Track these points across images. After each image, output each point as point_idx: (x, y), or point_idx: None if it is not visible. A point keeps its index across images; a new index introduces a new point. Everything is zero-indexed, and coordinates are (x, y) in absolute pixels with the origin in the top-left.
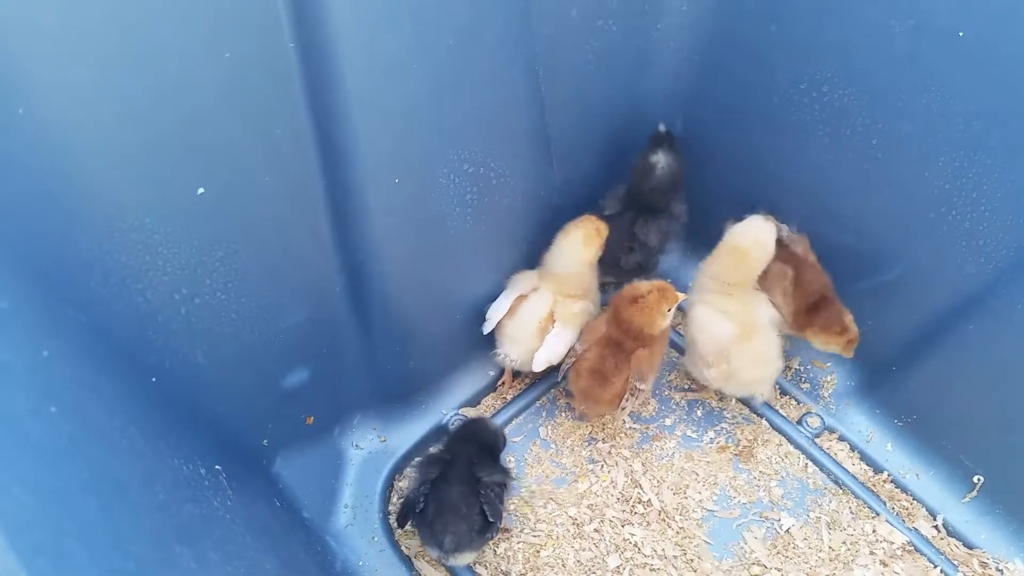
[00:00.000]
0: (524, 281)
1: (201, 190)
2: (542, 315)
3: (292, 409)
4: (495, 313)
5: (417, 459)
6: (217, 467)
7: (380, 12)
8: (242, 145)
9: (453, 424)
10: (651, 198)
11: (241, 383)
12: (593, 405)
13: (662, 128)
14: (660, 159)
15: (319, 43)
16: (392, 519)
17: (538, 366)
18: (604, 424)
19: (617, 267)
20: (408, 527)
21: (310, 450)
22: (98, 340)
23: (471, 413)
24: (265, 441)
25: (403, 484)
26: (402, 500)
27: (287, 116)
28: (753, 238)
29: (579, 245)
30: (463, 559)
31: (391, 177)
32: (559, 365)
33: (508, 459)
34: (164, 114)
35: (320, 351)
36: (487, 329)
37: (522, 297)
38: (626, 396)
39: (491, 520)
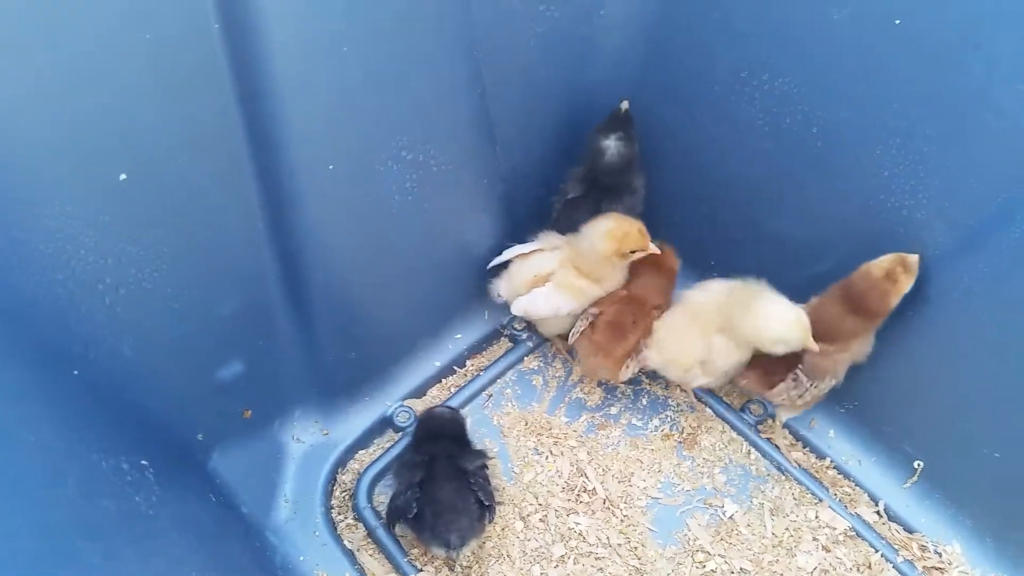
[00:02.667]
0: (550, 239)
1: (123, 176)
2: (540, 271)
3: (228, 403)
4: (510, 253)
5: (395, 465)
6: (143, 462)
7: None
8: (166, 129)
9: (407, 423)
10: (610, 178)
11: (172, 376)
12: (603, 360)
13: (624, 106)
14: (611, 145)
15: (245, 24)
16: (335, 512)
17: (515, 309)
18: (549, 421)
19: None
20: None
21: (249, 444)
22: (8, 331)
23: (416, 405)
24: (200, 435)
25: (346, 478)
26: (390, 505)
27: (213, 99)
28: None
29: (599, 236)
30: (468, 549)
31: (324, 164)
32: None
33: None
34: (82, 97)
35: (256, 343)
36: (494, 263)
37: (543, 250)
38: (632, 358)
39: (487, 504)
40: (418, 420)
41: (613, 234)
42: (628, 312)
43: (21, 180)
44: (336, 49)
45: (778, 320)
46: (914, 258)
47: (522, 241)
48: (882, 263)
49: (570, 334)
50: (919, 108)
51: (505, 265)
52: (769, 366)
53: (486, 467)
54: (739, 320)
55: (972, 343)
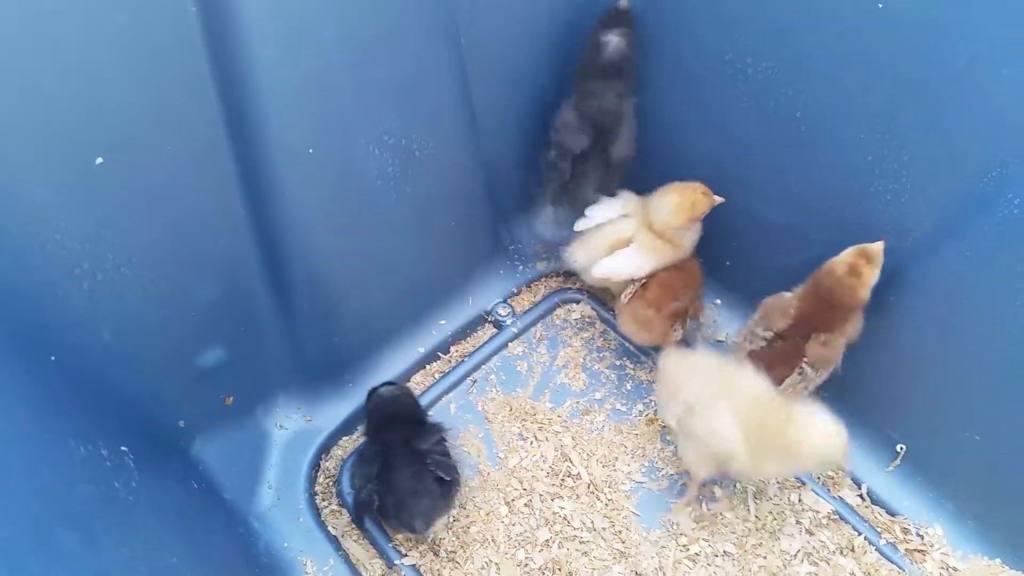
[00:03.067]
0: (623, 202)
1: (100, 160)
2: (619, 237)
3: (210, 389)
4: (595, 215)
5: (353, 460)
6: (123, 448)
7: None
8: (143, 113)
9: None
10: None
11: (152, 362)
12: (654, 315)
13: (623, 4)
14: (612, 40)
15: (222, 5)
16: (319, 499)
17: (599, 272)
18: (534, 407)
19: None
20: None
21: (231, 431)
22: None
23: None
24: (182, 422)
25: (330, 465)
26: (354, 503)
27: (190, 82)
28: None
29: (671, 212)
30: (440, 525)
31: (304, 147)
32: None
33: None
34: (56, 80)
35: (238, 329)
36: (579, 227)
37: (613, 221)
38: (680, 321)
39: (448, 479)
40: (367, 406)
41: (683, 207)
42: (679, 277)
43: None
44: (315, 32)
45: (822, 435)
46: (877, 247)
47: (506, 223)
48: (844, 259)
49: (622, 295)
50: (903, 92)
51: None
52: (772, 359)
53: (444, 440)
54: (777, 430)
55: (955, 326)
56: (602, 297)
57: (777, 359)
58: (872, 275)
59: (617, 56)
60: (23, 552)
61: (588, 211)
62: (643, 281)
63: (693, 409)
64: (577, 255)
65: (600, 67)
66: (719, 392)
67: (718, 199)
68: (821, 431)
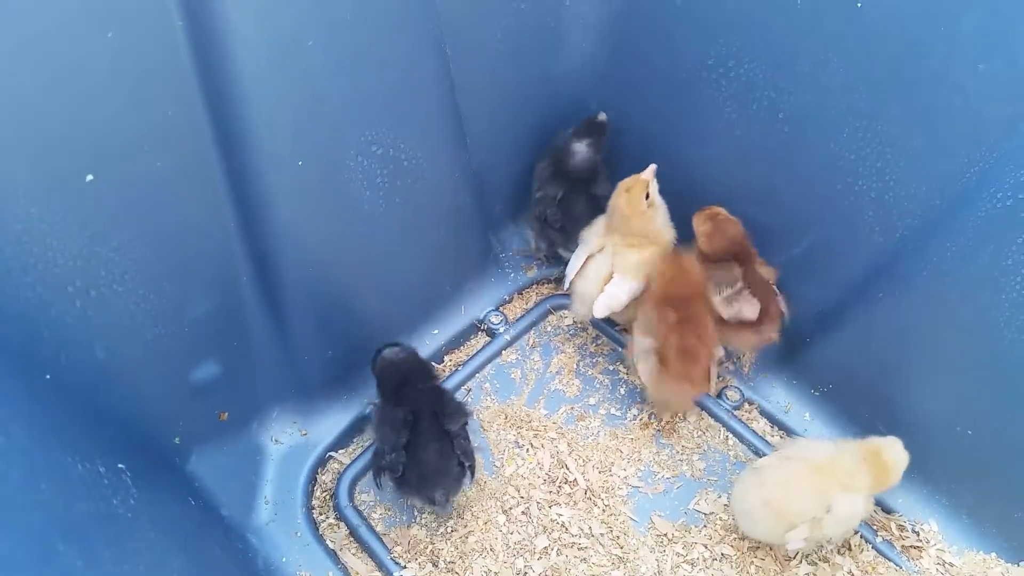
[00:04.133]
0: (593, 235)
1: (90, 177)
2: (605, 273)
3: (204, 405)
4: (570, 271)
5: (375, 420)
6: (120, 465)
7: None
8: (132, 129)
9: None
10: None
11: (146, 379)
12: (690, 388)
13: (601, 118)
14: (581, 148)
15: (208, 20)
16: (316, 512)
17: (598, 312)
18: (529, 414)
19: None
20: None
21: (227, 447)
22: None
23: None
24: (177, 439)
25: (326, 478)
26: (374, 462)
27: (179, 97)
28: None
29: (620, 213)
30: (451, 505)
31: (294, 160)
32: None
33: None
34: (45, 98)
35: (231, 344)
36: (565, 286)
37: (592, 257)
38: (712, 367)
39: (467, 464)
40: (378, 369)
41: (625, 201)
42: (689, 334)
43: None
44: (300, 43)
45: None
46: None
47: (496, 232)
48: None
49: (640, 371)
50: (883, 90)
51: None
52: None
53: (467, 425)
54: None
55: (942, 322)
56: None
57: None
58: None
59: (587, 164)
60: (26, 568)
61: (569, 265)
62: (655, 356)
63: (821, 521)
64: (580, 310)
65: (570, 170)
66: (821, 484)
67: (647, 172)
68: (891, 450)
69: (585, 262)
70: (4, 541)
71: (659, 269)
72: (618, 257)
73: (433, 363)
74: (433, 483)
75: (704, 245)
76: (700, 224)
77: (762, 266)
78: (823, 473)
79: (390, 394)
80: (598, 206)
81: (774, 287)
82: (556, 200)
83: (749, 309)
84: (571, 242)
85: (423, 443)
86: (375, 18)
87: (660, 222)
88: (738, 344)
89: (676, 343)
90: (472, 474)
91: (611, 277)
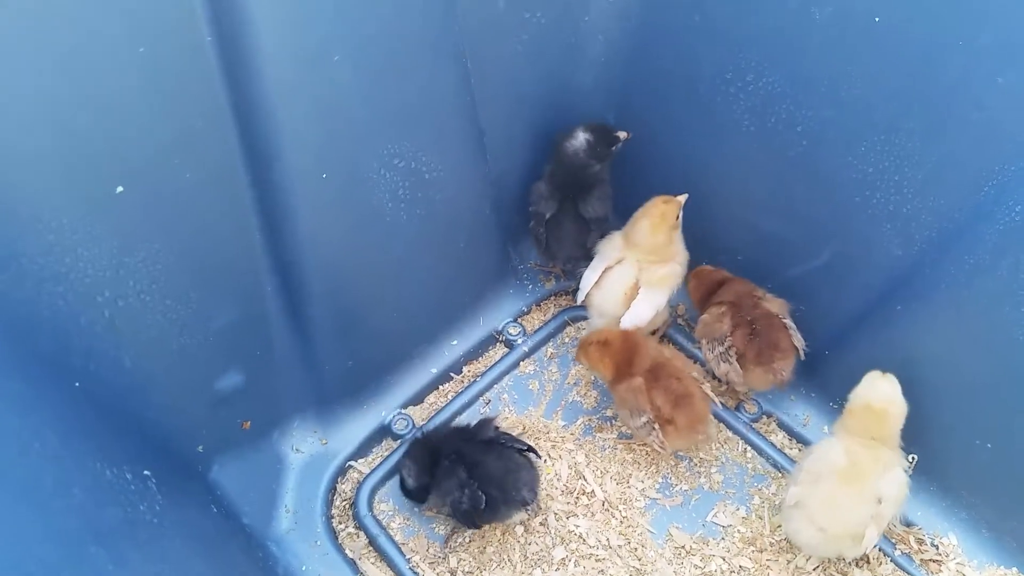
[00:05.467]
0: (610, 248)
1: (120, 188)
2: (628, 284)
3: (227, 414)
4: (585, 284)
5: (431, 488)
6: (146, 472)
7: (298, 2)
8: (162, 142)
9: (405, 430)
10: (577, 176)
11: (171, 388)
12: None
13: (621, 134)
14: (579, 137)
15: (237, 35)
16: (336, 522)
17: (626, 326)
18: (547, 425)
19: (586, 251)
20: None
21: (248, 455)
22: (11, 343)
23: (414, 412)
24: (200, 447)
25: (346, 487)
26: (459, 514)
27: (208, 111)
28: (884, 395)
29: (647, 233)
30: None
31: (319, 172)
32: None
33: None
34: (78, 111)
35: (254, 353)
36: (579, 299)
37: (609, 268)
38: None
39: (526, 449)
40: (411, 454)
41: (657, 224)
42: (670, 385)
43: (18, 193)
44: (326, 58)
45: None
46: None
47: (515, 243)
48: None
49: (653, 444)
50: (901, 104)
51: (586, 298)
52: (761, 354)
53: (498, 426)
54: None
55: (960, 335)
56: None
57: (768, 349)
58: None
59: (577, 157)
60: (61, 568)
61: (584, 278)
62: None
63: (881, 513)
64: (595, 322)
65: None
66: (860, 486)
67: (681, 197)
68: (873, 394)
69: (602, 275)
70: (43, 544)
71: (599, 358)
72: (644, 273)
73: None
74: (514, 485)
75: (693, 297)
76: (688, 283)
77: (770, 300)
78: (855, 475)
79: (431, 457)
80: (585, 228)
81: (785, 321)
82: (544, 219)
83: (735, 375)
84: (557, 260)
85: (480, 464)
86: (399, 34)
87: (680, 245)
88: (754, 385)
89: (667, 400)
90: (537, 453)
91: (631, 290)
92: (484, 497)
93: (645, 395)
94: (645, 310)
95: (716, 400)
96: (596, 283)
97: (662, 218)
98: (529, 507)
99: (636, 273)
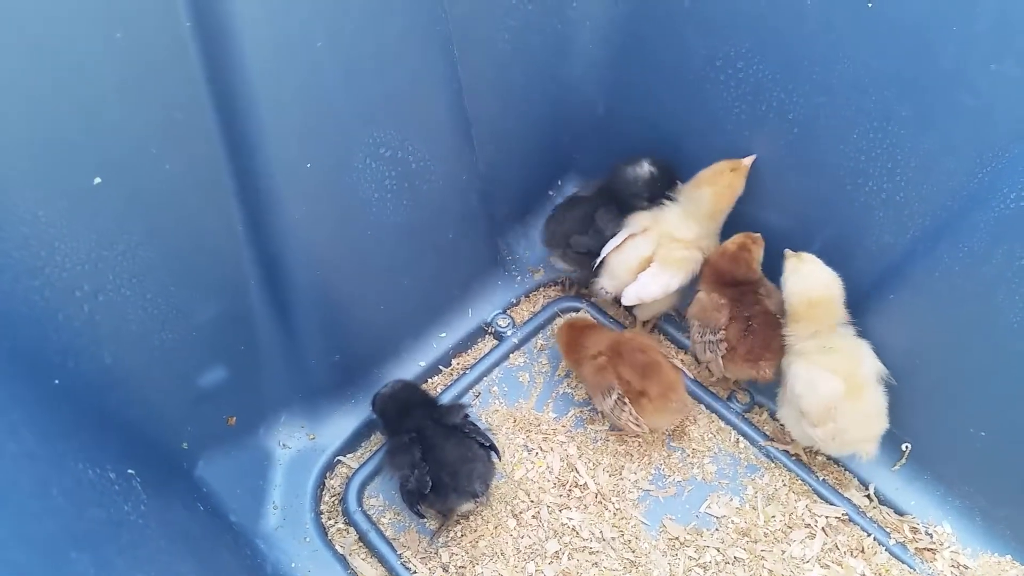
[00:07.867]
0: (640, 220)
1: (98, 180)
2: (643, 255)
3: (212, 410)
4: (608, 247)
5: (384, 459)
6: (130, 471)
7: None
8: (140, 131)
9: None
10: (627, 200)
11: (153, 384)
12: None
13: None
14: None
15: (216, 19)
16: (325, 517)
17: (627, 300)
18: (537, 417)
19: (567, 245)
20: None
21: (234, 452)
22: None
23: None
24: (185, 444)
25: (335, 483)
26: (403, 493)
27: (188, 100)
28: (820, 284)
29: (710, 200)
30: (491, 491)
31: (302, 162)
32: None
33: None
34: (52, 99)
35: (238, 348)
36: (598, 262)
37: (633, 236)
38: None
39: (487, 445)
40: (378, 408)
41: (722, 191)
42: (636, 358)
43: None
44: (308, 44)
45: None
46: (757, 235)
47: (503, 236)
48: (734, 241)
49: (625, 423)
50: (894, 91)
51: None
52: (753, 351)
53: (468, 415)
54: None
55: (955, 322)
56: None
57: (758, 348)
58: (759, 252)
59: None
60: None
61: (609, 241)
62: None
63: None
64: (607, 285)
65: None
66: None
67: (747, 160)
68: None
69: (625, 240)
70: (17, 549)
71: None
72: (663, 248)
73: (424, 386)
74: (467, 475)
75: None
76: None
77: (771, 297)
78: (855, 386)
79: (394, 426)
80: (589, 222)
81: (783, 321)
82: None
83: (716, 367)
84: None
85: (438, 447)
86: (384, 20)
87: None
88: (734, 374)
89: (634, 372)
90: (497, 452)
91: (644, 262)
92: (431, 483)
93: (612, 371)
94: (651, 286)
95: (687, 372)
96: (617, 247)
97: (730, 186)
98: (479, 500)
99: (654, 248)
